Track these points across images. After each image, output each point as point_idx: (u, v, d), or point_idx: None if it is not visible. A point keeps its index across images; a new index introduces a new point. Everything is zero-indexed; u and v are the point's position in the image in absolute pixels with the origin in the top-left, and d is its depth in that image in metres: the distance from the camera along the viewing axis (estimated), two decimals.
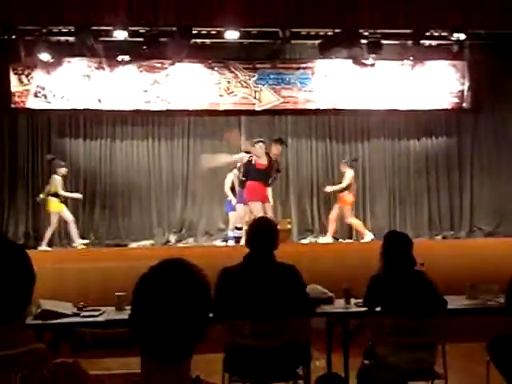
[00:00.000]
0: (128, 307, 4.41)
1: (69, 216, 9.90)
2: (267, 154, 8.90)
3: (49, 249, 9.70)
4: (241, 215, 9.34)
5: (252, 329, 3.63)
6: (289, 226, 9.72)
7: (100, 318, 4.35)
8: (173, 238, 10.86)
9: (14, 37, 9.40)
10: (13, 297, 1.57)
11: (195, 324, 1.57)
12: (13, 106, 10.38)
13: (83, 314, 4.42)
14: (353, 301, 4.66)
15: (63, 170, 9.93)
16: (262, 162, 8.87)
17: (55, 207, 9.79)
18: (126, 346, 4.84)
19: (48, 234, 9.82)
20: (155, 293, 1.55)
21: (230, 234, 9.76)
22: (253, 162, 9.08)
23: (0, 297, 1.55)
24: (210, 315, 1.67)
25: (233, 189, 9.88)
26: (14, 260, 1.60)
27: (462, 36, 9.88)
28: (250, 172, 9.01)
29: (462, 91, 11.11)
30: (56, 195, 9.76)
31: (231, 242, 9.53)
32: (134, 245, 10.45)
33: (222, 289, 3.71)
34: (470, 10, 8.70)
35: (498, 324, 3.94)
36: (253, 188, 8.85)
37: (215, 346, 3.41)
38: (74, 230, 9.94)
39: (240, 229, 9.13)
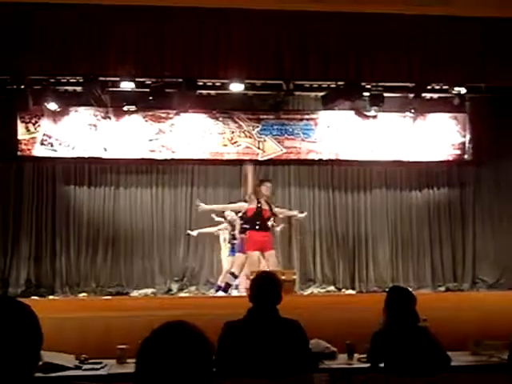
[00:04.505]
0: (130, 360, 4.38)
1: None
2: (256, 198, 8.83)
3: None
4: (238, 263, 9.01)
5: None
6: (294, 277, 9.64)
7: (102, 372, 4.30)
8: (174, 287, 10.79)
9: (22, 86, 9.55)
10: (20, 359, 1.59)
11: None
12: (19, 153, 10.50)
13: (85, 367, 4.38)
14: (356, 356, 4.63)
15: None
16: (251, 206, 8.78)
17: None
18: None
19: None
20: (158, 356, 1.58)
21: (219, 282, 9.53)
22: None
23: (8, 360, 1.56)
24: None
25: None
26: (22, 322, 1.62)
27: (463, 90, 10.06)
28: (245, 220, 8.94)
29: (464, 143, 11.22)
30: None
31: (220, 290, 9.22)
32: (135, 293, 10.38)
33: (226, 344, 3.69)
34: (471, 64, 8.84)
35: (502, 381, 3.91)
36: (248, 237, 8.75)
37: None
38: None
39: (235, 276, 8.92)
